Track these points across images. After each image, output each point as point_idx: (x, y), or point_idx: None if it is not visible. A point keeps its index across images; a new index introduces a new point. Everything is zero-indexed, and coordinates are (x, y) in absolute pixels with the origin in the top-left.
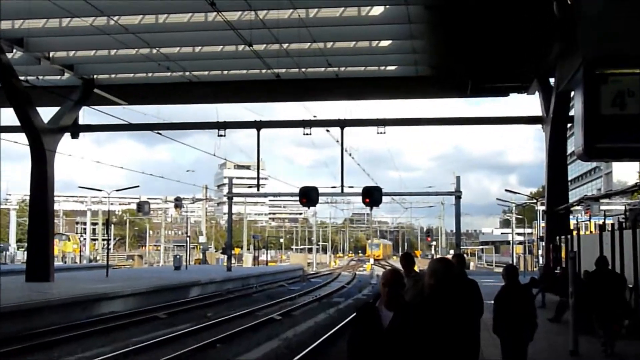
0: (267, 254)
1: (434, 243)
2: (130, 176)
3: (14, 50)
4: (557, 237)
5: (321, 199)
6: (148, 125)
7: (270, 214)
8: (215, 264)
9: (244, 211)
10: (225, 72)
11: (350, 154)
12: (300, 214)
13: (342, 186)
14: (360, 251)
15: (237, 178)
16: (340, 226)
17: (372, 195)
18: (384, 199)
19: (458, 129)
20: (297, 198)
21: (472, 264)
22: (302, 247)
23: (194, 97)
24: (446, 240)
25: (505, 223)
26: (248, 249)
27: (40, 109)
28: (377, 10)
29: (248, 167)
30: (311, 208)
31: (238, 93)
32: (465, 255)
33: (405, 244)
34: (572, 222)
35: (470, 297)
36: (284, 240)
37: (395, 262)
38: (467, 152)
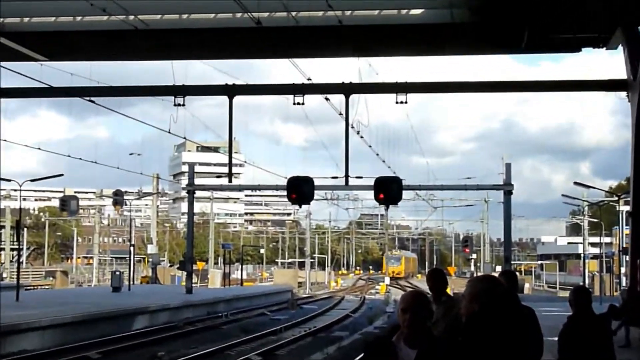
0: (242, 270)
1: (474, 256)
2: (51, 161)
3: None
4: None
5: (317, 193)
6: (76, 89)
7: (247, 214)
8: (170, 284)
9: (210, 210)
10: (185, 16)
11: (358, 132)
12: (289, 214)
13: (346, 176)
14: (371, 267)
15: (201, 164)
16: (344, 232)
17: (388, 189)
18: (405, 194)
19: (508, 98)
20: (285, 192)
21: (527, 285)
22: (290, 260)
23: (140, 50)
24: (491, 253)
25: (574, 229)
26: (216, 263)
27: None
28: None
29: (216, 150)
30: (304, 206)
31: (203, 46)
32: (517, 273)
33: (434, 258)
34: None
35: (524, 331)
36: (266, 252)
37: (421, 283)
38: (520, 131)
